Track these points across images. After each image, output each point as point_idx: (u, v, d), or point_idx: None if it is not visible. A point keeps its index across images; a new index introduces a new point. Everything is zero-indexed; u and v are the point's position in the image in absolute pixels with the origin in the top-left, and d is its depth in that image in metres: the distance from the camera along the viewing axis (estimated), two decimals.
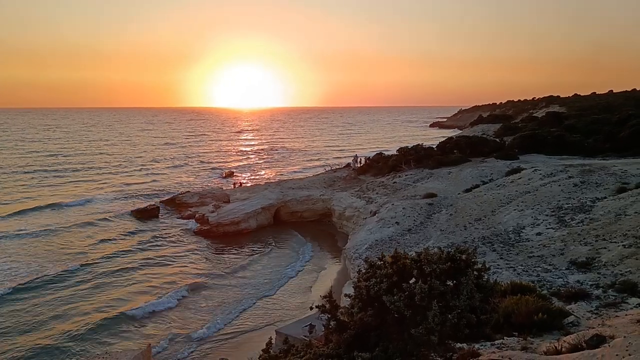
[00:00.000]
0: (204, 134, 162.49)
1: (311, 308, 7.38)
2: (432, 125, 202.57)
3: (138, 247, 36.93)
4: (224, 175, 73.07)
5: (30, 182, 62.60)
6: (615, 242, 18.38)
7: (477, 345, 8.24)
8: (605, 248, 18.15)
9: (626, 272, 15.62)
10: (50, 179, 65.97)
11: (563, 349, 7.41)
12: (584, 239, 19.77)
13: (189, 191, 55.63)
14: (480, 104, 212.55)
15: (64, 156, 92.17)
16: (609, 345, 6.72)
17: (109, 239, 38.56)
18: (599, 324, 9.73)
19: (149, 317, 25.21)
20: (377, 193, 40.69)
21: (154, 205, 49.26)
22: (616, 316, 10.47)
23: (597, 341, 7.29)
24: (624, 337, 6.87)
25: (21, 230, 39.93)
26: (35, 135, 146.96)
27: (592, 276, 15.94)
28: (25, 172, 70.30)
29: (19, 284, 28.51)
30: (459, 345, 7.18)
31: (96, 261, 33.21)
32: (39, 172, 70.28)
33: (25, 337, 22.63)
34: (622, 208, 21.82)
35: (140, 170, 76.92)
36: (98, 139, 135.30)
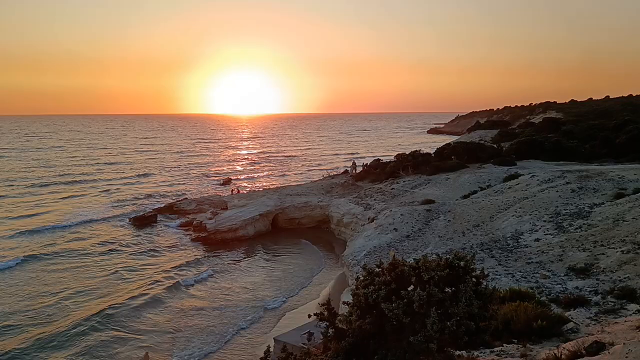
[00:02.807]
0: (202, 141, 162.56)
1: (309, 316, 7.34)
2: (430, 132, 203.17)
3: (134, 256, 36.80)
4: (222, 182, 73.03)
5: (31, 192, 62.06)
6: (614, 248, 18.35)
7: (476, 353, 8.19)
8: (603, 254, 18.12)
9: (625, 278, 15.59)
10: (50, 186, 65.97)
11: (563, 356, 7.37)
12: (582, 245, 19.75)
13: (186, 198, 55.60)
14: (478, 110, 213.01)
15: (61, 166, 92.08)
16: (609, 352, 6.69)
17: (108, 248, 38.40)
18: (598, 331, 9.69)
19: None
20: (375, 199, 40.67)
21: (151, 212, 49.22)
22: (615, 323, 10.43)
23: (597, 348, 7.25)
24: (624, 343, 6.85)
25: (24, 247, 39.92)
26: (27, 144, 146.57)
27: (590, 282, 15.89)
28: (25, 183, 70.18)
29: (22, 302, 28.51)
30: (458, 352, 7.13)
31: (96, 272, 33.12)
32: (39, 183, 69.90)
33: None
34: (620, 214, 21.81)
35: (137, 177, 76.84)
36: (95, 147, 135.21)
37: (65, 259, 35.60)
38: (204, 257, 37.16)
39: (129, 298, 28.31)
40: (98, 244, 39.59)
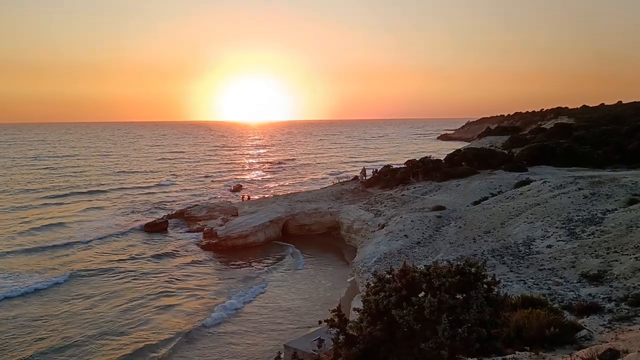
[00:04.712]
0: (213, 148, 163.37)
1: (320, 322, 7.35)
2: (440, 138, 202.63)
3: (147, 263, 37.07)
4: (233, 188, 73.31)
5: (48, 203, 62.05)
6: (627, 254, 18.14)
7: None
8: (617, 260, 17.92)
9: (639, 285, 15.40)
10: (65, 197, 66.32)
11: None
12: (595, 251, 19.55)
13: (197, 205, 55.82)
14: (488, 116, 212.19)
15: (73, 175, 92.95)
16: None
17: (120, 256, 38.58)
18: (612, 338, 9.58)
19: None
20: (385, 206, 40.58)
21: (162, 219, 49.52)
22: (630, 330, 10.31)
23: (611, 356, 7.16)
24: (638, 351, 6.77)
25: (33, 245, 40.51)
26: (37, 152, 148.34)
27: (604, 289, 15.72)
28: (34, 190, 70.89)
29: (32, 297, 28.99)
30: (469, 359, 7.09)
31: (106, 278, 33.27)
32: (55, 193, 70.37)
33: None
34: (633, 220, 21.58)
35: (149, 184, 77.39)
36: (107, 155, 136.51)
37: (86, 278, 33.55)
38: (215, 264, 37.12)
39: (160, 329, 25.87)
40: (108, 250, 39.86)
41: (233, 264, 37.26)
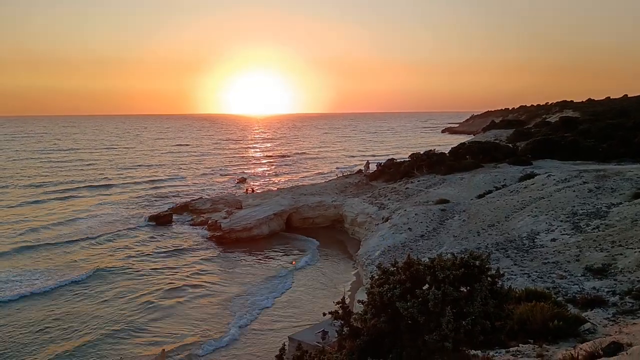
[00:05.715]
0: (217, 141, 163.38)
1: (324, 314, 7.38)
2: (444, 131, 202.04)
3: (154, 258, 36.88)
4: (237, 181, 73.44)
5: (48, 191, 62.69)
6: (632, 248, 18.11)
7: (491, 353, 8.17)
8: (621, 254, 17.89)
9: None
10: (66, 187, 66.79)
11: (579, 357, 7.31)
12: (600, 245, 19.52)
13: (201, 197, 55.98)
14: (493, 109, 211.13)
15: (79, 169, 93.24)
16: (627, 353, 6.63)
17: (127, 251, 38.40)
18: (616, 332, 9.60)
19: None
20: (389, 199, 40.58)
21: (167, 212, 49.65)
22: (634, 323, 10.32)
23: (615, 349, 7.18)
24: None
25: (38, 240, 40.57)
26: (47, 145, 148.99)
27: (608, 283, 15.71)
28: (39, 182, 71.25)
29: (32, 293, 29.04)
30: (473, 352, 7.12)
31: (112, 273, 33.12)
32: (53, 181, 71.09)
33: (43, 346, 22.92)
34: (638, 214, 21.52)
35: (153, 177, 77.47)
36: (115, 148, 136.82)
37: (96, 276, 32.63)
38: (220, 257, 37.11)
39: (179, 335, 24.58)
40: (113, 243, 40.09)
41: (244, 259, 36.70)
